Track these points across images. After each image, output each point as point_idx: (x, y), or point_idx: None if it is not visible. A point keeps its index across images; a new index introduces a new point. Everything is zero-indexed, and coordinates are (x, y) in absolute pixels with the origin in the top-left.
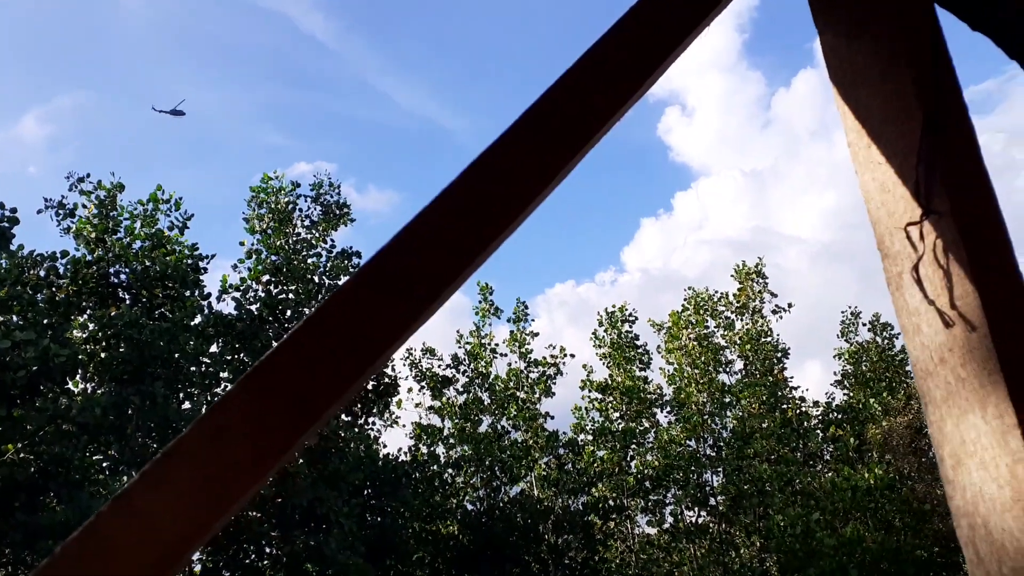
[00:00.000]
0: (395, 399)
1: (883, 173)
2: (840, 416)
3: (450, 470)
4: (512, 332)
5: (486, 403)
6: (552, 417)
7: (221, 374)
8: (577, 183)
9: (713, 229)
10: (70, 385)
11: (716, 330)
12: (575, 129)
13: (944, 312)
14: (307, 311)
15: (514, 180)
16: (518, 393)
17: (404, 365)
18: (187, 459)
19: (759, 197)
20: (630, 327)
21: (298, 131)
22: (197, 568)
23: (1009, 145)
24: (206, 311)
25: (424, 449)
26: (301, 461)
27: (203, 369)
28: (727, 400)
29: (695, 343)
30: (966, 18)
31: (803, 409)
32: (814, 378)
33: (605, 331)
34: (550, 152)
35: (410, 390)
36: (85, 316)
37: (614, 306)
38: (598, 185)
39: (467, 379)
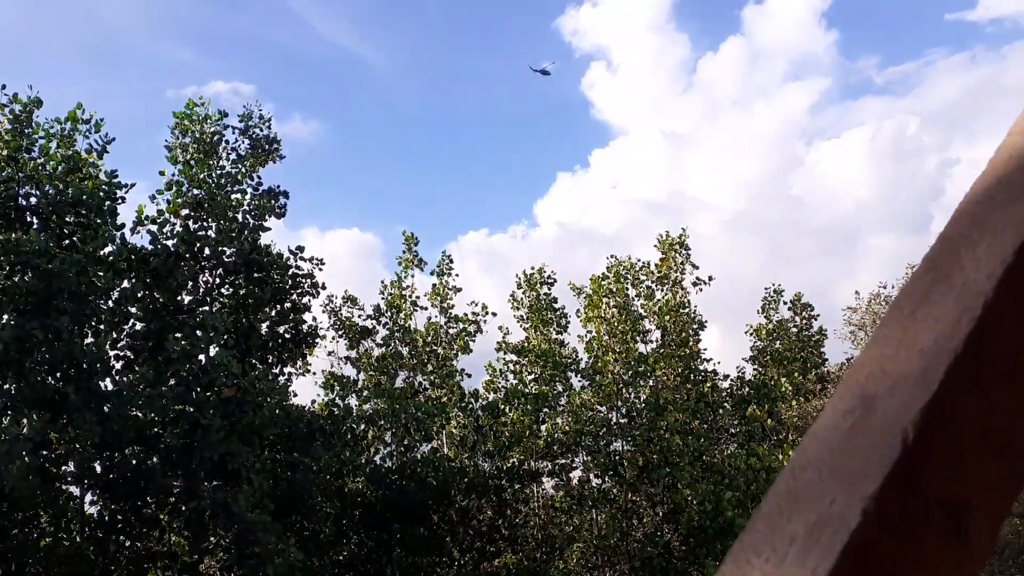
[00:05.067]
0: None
1: None
2: (751, 392)
3: (362, 424)
4: (434, 285)
5: (405, 357)
6: (469, 375)
7: (130, 310)
8: (494, 132)
9: (629, 189)
10: None
11: (636, 299)
12: None
13: None
14: (227, 251)
15: None
16: (436, 349)
17: (323, 312)
18: None
19: (676, 160)
20: (549, 289)
21: (211, 48)
22: (91, 510)
23: (921, 129)
24: (119, 242)
25: (335, 399)
26: (214, 413)
27: (112, 305)
28: (641, 369)
29: (615, 312)
30: None
31: (715, 382)
32: (713, 343)
33: (524, 293)
34: None
35: (322, 337)
36: None
37: (533, 268)
38: (516, 136)
39: (387, 332)
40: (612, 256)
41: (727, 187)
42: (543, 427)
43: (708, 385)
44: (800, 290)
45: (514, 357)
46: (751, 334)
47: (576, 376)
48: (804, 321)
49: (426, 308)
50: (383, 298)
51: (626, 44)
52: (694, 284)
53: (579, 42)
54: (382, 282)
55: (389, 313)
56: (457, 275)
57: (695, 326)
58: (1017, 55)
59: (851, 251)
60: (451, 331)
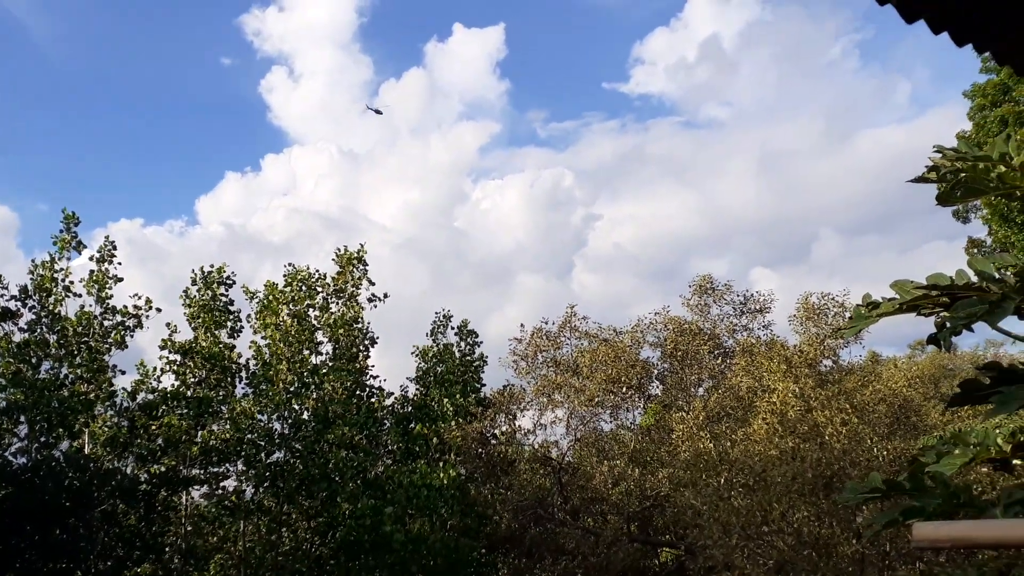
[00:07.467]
0: None
1: None
2: (412, 410)
3: None
4: (92, 272)
5: (51, 346)
6: (123, 372)
7: None
8: (160, 118)
9: (302, 199)
10: None
11: (310, 309)
12: None
13: None
14: None
15: None
16: (88, 340)
17: None
18: None
19: (352, 178)
20: (226, 290)
21: None
22: None
23: (574, 184)
24: None
25: None
26: None
27: None
28: (311, 381)
29: (292, 320)
30: None
31: (381, 398)
32: (375, 360)
33: (199, 291)
34: None
35: None
36: None
37: (212, 266)
38: (183, 126)
39: (34, 316)
40: (290, 264)
41: (399, 211)
42: (200, 433)
43: (375, 401)
44: (458, 317)
45: (178, 357)
46: (417, 355)
47: (241, 383)
48: (468, 347)
49: (80, 295)
50: (32, 279)
51: (310, 56)
52: (369, 300)
53: (261, 44)
54: (32, 261)
55: (37, 296)
56: (120, 264)
57: (367, 342)
58: (659, 129)
59: (505, 286)
60: (107, 323)
